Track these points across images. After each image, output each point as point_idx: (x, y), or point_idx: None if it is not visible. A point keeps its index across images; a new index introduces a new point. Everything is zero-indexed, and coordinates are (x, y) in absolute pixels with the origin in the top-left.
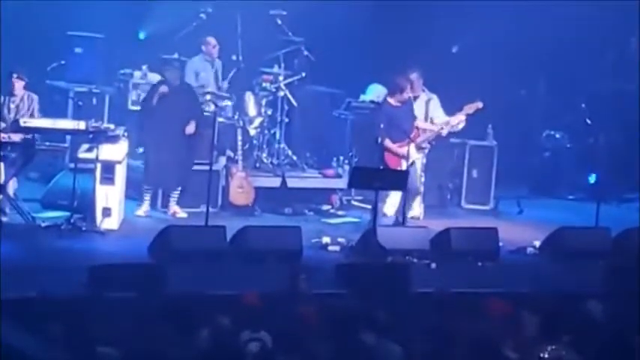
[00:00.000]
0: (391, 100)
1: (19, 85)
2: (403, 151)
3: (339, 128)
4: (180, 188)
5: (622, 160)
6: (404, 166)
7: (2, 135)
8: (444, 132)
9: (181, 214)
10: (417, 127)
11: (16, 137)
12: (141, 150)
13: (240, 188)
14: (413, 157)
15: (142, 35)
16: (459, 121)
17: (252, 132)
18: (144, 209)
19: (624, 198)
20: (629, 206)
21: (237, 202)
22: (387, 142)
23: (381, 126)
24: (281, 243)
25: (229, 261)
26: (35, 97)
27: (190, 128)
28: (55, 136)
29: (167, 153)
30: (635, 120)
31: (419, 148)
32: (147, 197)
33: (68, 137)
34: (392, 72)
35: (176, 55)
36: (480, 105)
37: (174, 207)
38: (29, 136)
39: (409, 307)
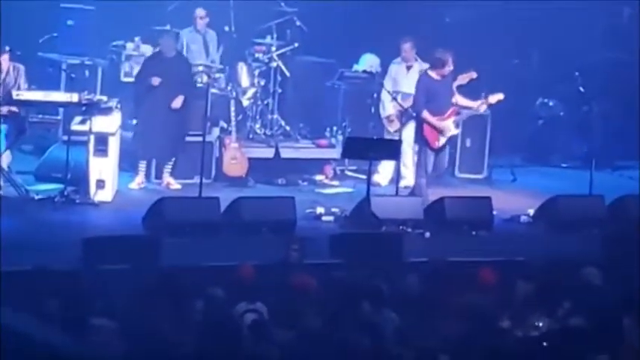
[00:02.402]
0: (432, 74)
1: (4, 58)
2: (441, 125)
3: (332, 98)
4: (173, 160)
5: (615, 128)
6: (442, 141)
7: None
8: (482, 109)
9: (175, 185)
10: (456, 103)
11: (9, 110)
12: (135, 122)
13: (234, 159)
14: (451, 133)
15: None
16: (497, 99)
17: (245, 103)
18: (138, 181)
19: (617, 166)
20: (622, 174)
21: (230, 174)
22: (426, 115)
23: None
24: (275, 214)
25: (223, 232)
26: (21, 67)
27: (177, 103)
28: (48, 108)
29: (160, 125)
30: (628, 88)
31: (457, 124)
32: (141, 169)
33: (61, 109)
34: (385, 41)
35: (168, 27)
36: (473, 75)
37: (167, 178)
38: (22, 109)
39: (404, 277)
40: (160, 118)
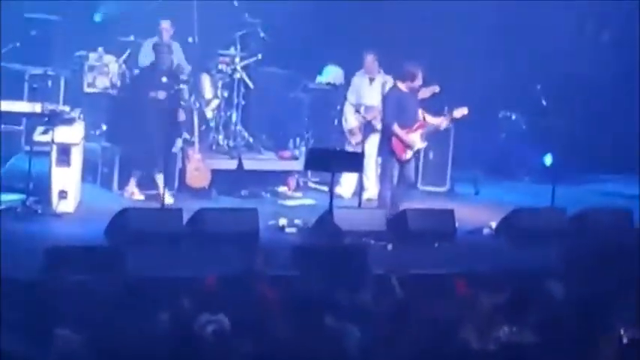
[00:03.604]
0: (401, 86)
1: None
2: (409, 138)
3: (296, 110)
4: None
5: (577, 142)
6: (409, 154)
7: None
8: (443, 126)
9: (139, 196)
10: (423, 118)
11: None
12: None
13: (197, 170)
14: (418, 146)
15: (97, 18)
16: (462, 114)
17: (209, 114)
18: (132, 191)
19: (579, 179)
20: (584, 187)
21: (193, 185)
22: (396, 127)
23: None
24: (238, 225)
25: (186, 243)
26: None
27: (182, 116)
28: (11, 118)
29: (155, 137)
30: (590, 101)
31: (423, 138)
32: (134, 179)
33: (24, 119)
34: (348, 53)
35: (132, 38)
36: (436, 89)
37: (133, 189)
38: None
39: (367, 289)
40: (157, 129)
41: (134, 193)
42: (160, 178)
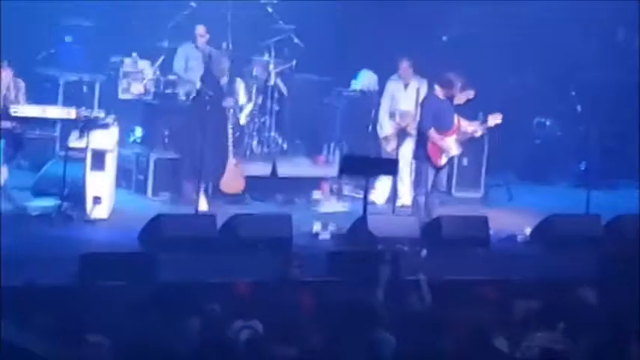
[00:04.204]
0: (438, 92)
1: (5, 74)
2: (445, 144)
3: (330, 116)
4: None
5: (612, 148)
6: (445, 159)
7: None
8: (478, 134)
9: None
10: (458, 124)
11: (6, 126)
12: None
13: (231, 176)
14: (453, 152)
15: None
16: (496, 123)
17: (243, 120)
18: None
19: (614, 185)
20: (618, 193)
21: (227, 191)
22: (432, 133)
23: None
24: (271, 231)
25: (219, 249)
26: (22, 83)
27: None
28: (46, 124)
29: (220, 147)
30: (625, 107)
31: (459, 144)
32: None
33: (58, 125)
34: (382, 59)
35: (166, 44)
36: (471, 95)
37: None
38: (19, 125)
39: (400, 295)
40: (220, 140)
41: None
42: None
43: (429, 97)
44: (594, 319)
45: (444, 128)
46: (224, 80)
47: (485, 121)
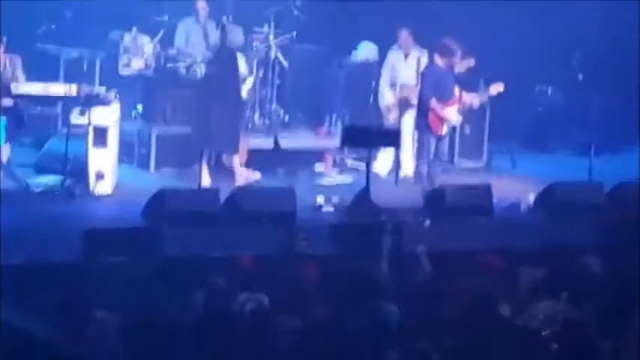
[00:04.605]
0: (439, 62)
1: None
2: (446, 113)
3: (331, 87)
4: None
5: (614, 115)
6: (445, 129)
7: None
8: (479, 103)
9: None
10: (460, 94)
11: (7, 103)
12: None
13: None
14: (454, 121)
15: None
16: (497, 91)
17: (244, 93)
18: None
19: (616, 152)
20: (621, 160)
21: (230, 164)
22: (433, 102)
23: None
24: (275, 204)
25: (223, 223)
26: (18, 58)
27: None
28: (47, 100)
29: (228, 118)
30: (626, 75)
31: (460, 112)
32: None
33: (60, 102)
34: (382, 29)
35: (166, 18)
36: (472, 63)
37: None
38: (21, 102)
39: (405, 266)
40: (224, 111)
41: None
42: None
43: (429, 66)
44: (597, 285)
45: (445, 98)
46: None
47: (486, 90)
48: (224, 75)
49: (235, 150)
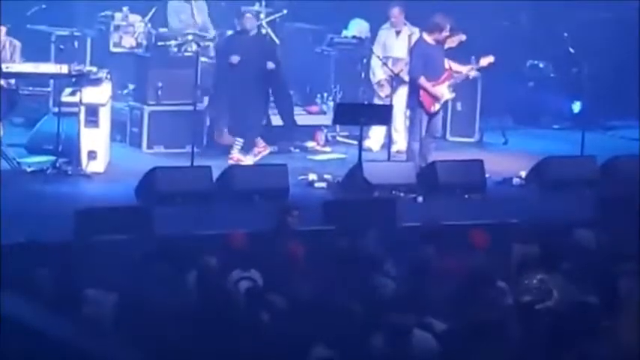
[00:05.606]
0: (428, 38)
1: (2, 32)
2: (437, 90)
3: (323, 65)
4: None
5: (606, 88)
6: (437, 106)
7: None
8: (471, 75)
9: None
10: (450, 68)
11: None
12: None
13: (225, 127)
14: (445, 97)
15: None
16: (488, 62)
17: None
18: (237, 157)
19: (608, 126)
20: (613, 134)
21: (222, 142)
22: (422, 81)
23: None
24: (267, 181)
25: (216, 201)
26: (18, 44)
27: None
28: (38, 80)
29: (248, 103)
30: (618, 48)
31: (451, 89)
32: (237, 146)
33: (51, 81)
34: (373, 6)
35: None
36: (463, 37)
37: (237, 154)
38: (12, 82)
39: (398, 242)
40: (248, 96)
41: (240, 160)
42: (238, 145)
43: (418, 43)
44: (591, 260)
45: (435, 74)
46: (253, 33)
47: (477, 62)
48: (253, 60)
49: (258, 133)
